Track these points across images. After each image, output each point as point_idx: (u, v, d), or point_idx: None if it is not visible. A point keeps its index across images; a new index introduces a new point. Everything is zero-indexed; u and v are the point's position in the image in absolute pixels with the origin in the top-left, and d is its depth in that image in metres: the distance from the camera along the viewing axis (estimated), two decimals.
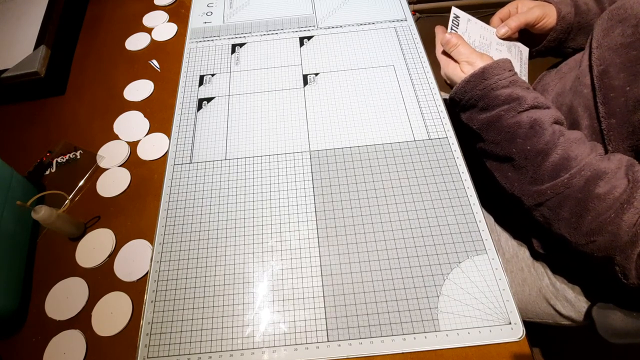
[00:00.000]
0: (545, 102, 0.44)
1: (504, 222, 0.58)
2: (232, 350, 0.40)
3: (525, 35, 0.57)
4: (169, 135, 0.56)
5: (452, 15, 0.53)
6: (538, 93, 0.44)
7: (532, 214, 0.44)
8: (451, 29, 0.52)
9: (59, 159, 0.56)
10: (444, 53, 0.51)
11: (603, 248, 0.38)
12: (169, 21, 0.73)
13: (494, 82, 0.44)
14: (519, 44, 0.56)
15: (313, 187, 0.50)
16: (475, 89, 0.45)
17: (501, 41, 0.54)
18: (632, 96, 0.40)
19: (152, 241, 0.47)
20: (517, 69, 0.52)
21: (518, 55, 0.55)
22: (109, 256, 0.47)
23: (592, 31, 0.53)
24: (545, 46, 0.55)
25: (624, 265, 0.36)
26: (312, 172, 0.51)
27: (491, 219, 0.59)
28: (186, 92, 0.61)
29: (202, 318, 0.42)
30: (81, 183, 0.54)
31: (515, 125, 0.42)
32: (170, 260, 0.46)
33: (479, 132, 0.46)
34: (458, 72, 0.48)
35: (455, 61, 0.50)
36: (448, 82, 0.50)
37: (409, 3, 0.71)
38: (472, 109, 0.47)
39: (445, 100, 0.61)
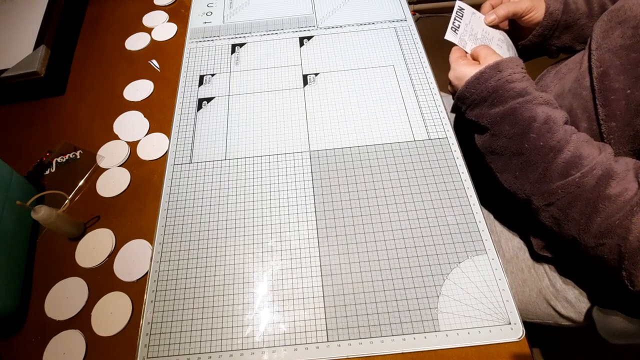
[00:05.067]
0: (555, 102, 0.44)
1: (504, 223, 0.58)
2: (232, 350, 0.40)
3: (512, 27, 0.57)
4: (169, 135, 0.56)
5: (456, 8, 0.52)
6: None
7: (540, 215, 0.43)
8: (454, 20, 0.52)
9: (58, 159, 0.56)
10: (456, 54, 0.51)
11: (612, 252, 0.37)
12: (169, 21, 0.73)
13: (508, 74, 0.44)
14: (515, 49, 0.56)
15: (313, 187, 0.50)
16: (490, 80, 0.45)
17: (503, 38, 0.54)
18: (633, 99, 0.39)
19: (152, 241, 0.47)
20: None
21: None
22: (109, 256, 0.47)
23: (578, 30, 0.53)
24: (531, 40, 0.55)
25: (631, 271, 0.36)
26: (312, 172, 0.51)
27: (491, 219, 0.59)
28: (186, 92, 0.61)
29: (202, 318, 0.42)
30: (81, 183, 0.54)
31: (531, 119, 0.42)
32: (170, 260, 0.46)
33: (489, 128, 0.45)
34: (469, 70, 0.47)
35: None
36: (455, 82, 0.50)
37: (409, 3, 0.71)
38: (482, 104, 0.46)
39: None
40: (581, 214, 0.39)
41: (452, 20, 0.52)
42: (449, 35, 0.51)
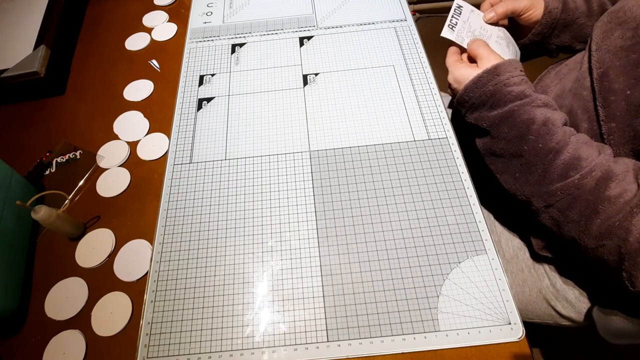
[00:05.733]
0: (554, 104, 0.44)
1: (504, 223, 0.58)
2: (232, 350, 0.40)
3: (512, 26, 0.57)
4: (169, 135, 0.56)
5: (454, 5, 0.53)
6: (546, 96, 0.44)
7: (540, 216, 0.43)
8: (452, 17, 0.52)
9: (58, 159, 0.56)
10: (453, 57, 0.51)
11: (612, 253, 0.37)
12: (169, 21, 0.73)
13: (506, 78, 0.44)
14: (516, 45, 0.56)
15: (313, 187, 0.50)
16: (488, 84, 0.45)
17: (502, 35, 0.54)
18: (633, 100, 0.39)
19: (152, 241, 0.47)
20: None
21: (514, 54, 0.55)
22: (109, 256, 0.47)
23: (577, 29, 0.53)
24: (530, 39, 0.55)
25: (631, 272, 0.36)
26: (312, 172, 0.51)
27: (491, 219, 0.59)
28: (186, 92, 0.61)
29: (202, 318, 0.42)
30: (81, 183, 0.54)
31: (529, 121, 0.42)
32: (170, 260, 0.46)
33: (489, 131, 0.46)
34: (468, 73, 0.48)
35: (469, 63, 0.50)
36: (455, 85, 0.50)
37: (409, 3, 0.71)
38: (481, 108, 0.46)
39: (451, 101, 0.61)
40: (581, 215, 0.39)
41: (449, 17, 0.52)
42: (445, 32, 0.51)
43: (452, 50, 0.53)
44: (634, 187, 0.37)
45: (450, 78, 0.51)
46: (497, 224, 0.59)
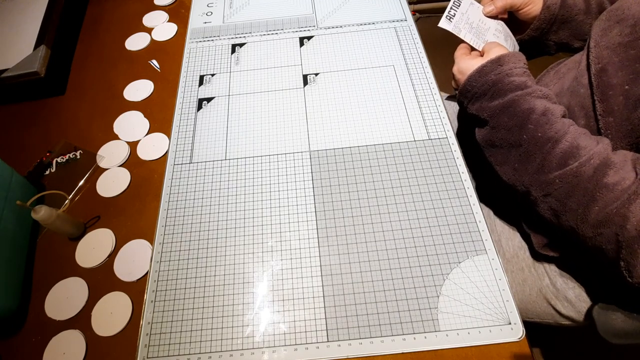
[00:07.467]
0: (554, 98, 0.44)
1: (504, 222, 0.58)
2: (232, 350, 0.40)
3: (511, 22, 0.57)
4: (169, 135, 0.56)
5: None
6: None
7: (539, 207, 0.43)
8: (450, 9, 0.52)
9: (59, 159, 0.56)
10: (461, 50, 0.52)
11: (610, 241, 0.37)
12: (169, 21, 0.73)
13: (509, 68, 0.45)
14: (515, 39, 0.56)
15: (313, 187, 0.50)
16: (491, 73, 0.45)
17: (500, 28, 0.55)
18: (632, 95, 0.40)
19: (152, 241, 0.47)
20: None
21: (512, 47, 0.55)
22: (109, 256, 0.47)
23: (575, 27, 0.54)
24: (529, 35, 0.55)
25: (629, 261, 0.36)
26: (312, 172, 0.51)
27: (491, 219, 0.59)
28: (186, 92, 0.61)
29: (202, 318, 0.42)
30: (81, 183, 0.54)
31: (529, 111, 0.42)
32: (170, 260, 0.46)
33: (489, 121, 0.46)
34: (472, 63, 0.48)
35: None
36: (459, 76, 0.50)
37: (409, 3, 0.71)
38: (483, 98, 0.47)
39: (450, 98, 0.61)
40: (579, 203, 0.39)
41: (448, 9, 0.52)
42: (443, 23, 0.51)
43: (462, 44, 0.53)
44: (632, 175, 0.37)
45: (454, 69, 0.51)
46: (497, 223, 0.59)
